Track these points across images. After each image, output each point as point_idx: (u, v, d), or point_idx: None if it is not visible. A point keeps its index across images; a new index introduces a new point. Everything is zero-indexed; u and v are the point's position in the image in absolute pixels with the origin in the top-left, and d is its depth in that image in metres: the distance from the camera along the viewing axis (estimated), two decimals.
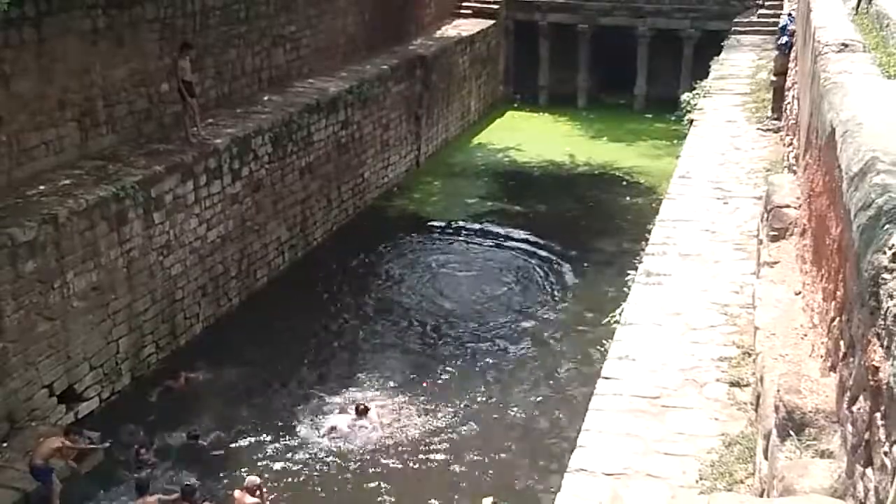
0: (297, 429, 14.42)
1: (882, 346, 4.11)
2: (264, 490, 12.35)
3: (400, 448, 14.00)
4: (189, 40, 17.38)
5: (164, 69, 17.40)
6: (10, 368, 12.74)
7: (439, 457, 13.88)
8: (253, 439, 14.17)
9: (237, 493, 12.14)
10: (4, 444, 12.51)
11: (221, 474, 13.30)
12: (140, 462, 13.09)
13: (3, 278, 12.51)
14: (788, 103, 15.19)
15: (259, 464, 13.40)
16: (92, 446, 13.05)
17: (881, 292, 4.17)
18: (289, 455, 13.79)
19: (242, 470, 13.20)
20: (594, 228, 23.07)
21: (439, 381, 15.98)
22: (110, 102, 16.33)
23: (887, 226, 4.32)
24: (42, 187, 14.33)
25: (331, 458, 13.76)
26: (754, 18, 28.05)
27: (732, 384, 8.64)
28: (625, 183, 26.46)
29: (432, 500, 12.93)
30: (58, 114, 15.17)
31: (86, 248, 14.07)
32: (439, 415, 14.93)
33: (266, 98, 20.70)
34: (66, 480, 12.22)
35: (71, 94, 15.39)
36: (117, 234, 14.75)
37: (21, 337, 12.89)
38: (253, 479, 12.27)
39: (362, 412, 14.35)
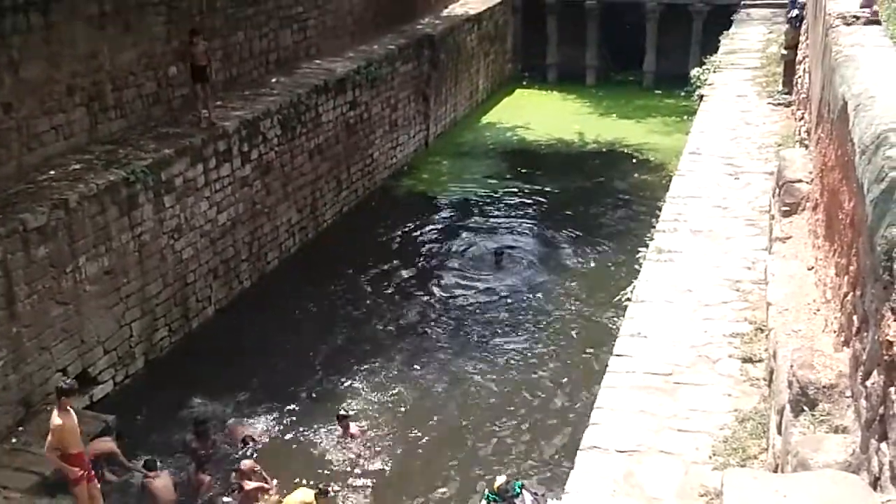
0: (311, 423, 14.13)
1: None
2: (260, 473, 12.31)
3: (412, 429, 14.03)
4: (196, 27, 17.34)
5: (172, 52, 17.37)
6: (24, 353, 12.80)
7: (452, 437, 13.92)
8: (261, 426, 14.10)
9: (242, 480, 12.10)
10: (20, 429, 12.59)
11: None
12: (199, 449, 13.00)
13: (15, 263, 12.54)
14: (800, 77, 15.07)
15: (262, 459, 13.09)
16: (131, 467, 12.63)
17: (895, 266, 4.15)
18: (299, 449, 13.61)
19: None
20: (604, 206, 23.02)
21: (449, 362, 15.98)
22: (119, 86, 16.30)
23: None
24: (52, 172, 14.33)
25: (342, 450, 13.52)
26: None
27: (745, 360, 8.62)
28: (635, 160, 26.35)
29: (448, 473, 12.97)
30: (66, 99, 15.16)
31: (97, 233, 14.10)
32: (450, 396, 14.95)
33: (274, 80, 20.64)
34: None
35: (79, 78, 15.37)
36: (128, 219, 14.77)
37: (35, 321, 12.94)
38: (247, 463, 12.30)
39: (346, 429, 13.67)
